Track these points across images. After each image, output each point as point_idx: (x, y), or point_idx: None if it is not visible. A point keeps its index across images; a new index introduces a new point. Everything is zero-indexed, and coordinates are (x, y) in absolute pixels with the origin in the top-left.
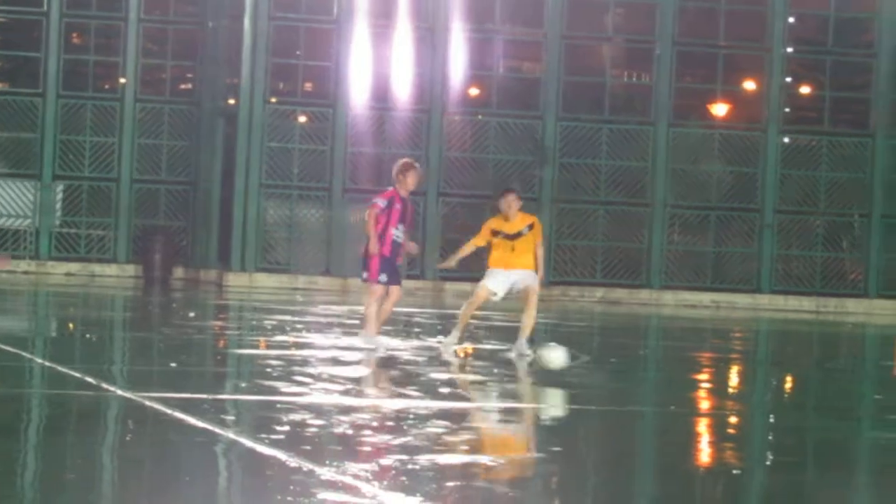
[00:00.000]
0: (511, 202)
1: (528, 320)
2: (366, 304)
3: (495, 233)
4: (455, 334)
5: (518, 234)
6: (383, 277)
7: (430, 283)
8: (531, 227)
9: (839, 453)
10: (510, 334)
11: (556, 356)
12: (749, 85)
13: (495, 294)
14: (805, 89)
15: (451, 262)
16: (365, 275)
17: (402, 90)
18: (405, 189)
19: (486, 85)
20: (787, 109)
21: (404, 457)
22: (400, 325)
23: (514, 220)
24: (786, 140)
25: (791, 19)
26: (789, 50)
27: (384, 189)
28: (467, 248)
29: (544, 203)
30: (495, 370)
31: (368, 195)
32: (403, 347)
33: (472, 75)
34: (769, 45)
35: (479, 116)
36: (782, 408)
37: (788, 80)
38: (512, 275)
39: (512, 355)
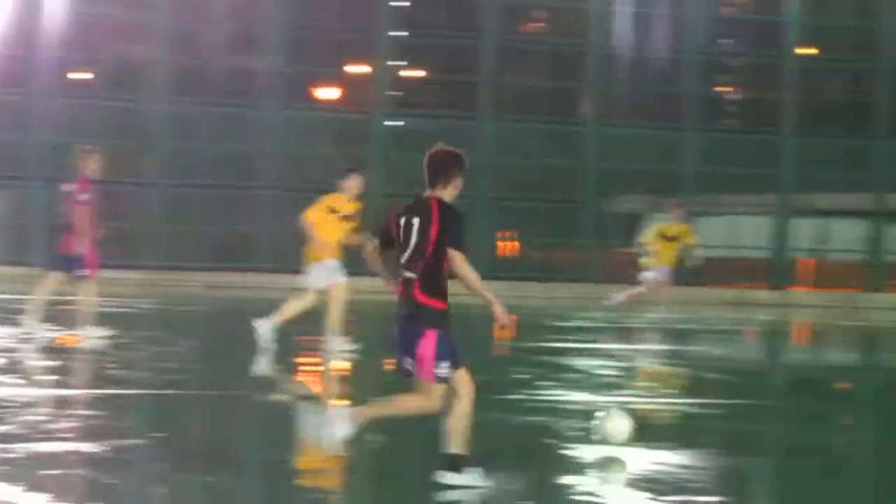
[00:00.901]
0: (359, 183)
1: (335, 315)
2: (85, 298)
3: (332, 210)
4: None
5: (351, 218)
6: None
7: (36, 270)
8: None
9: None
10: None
11: (620, 428)
12: (357, 68)
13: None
14: (414, 72)
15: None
16: (86, 271)
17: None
18: (91, 174)
19: (93, 68)
20: (394, 92)
21: (2, 445)
22: (3, 313)
23: (350, 202)
24: (390, 123)
25: (397, 3)
26: (395, 33)
27: (77, 179)
28: (317, 234)
29: (149, 188)
30: (105, 358)
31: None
32: (3, 335)
33: (79, 59)
34: (376, 27)
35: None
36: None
37: (395, 62)
38: (338, 266)
39: (332, 348)
